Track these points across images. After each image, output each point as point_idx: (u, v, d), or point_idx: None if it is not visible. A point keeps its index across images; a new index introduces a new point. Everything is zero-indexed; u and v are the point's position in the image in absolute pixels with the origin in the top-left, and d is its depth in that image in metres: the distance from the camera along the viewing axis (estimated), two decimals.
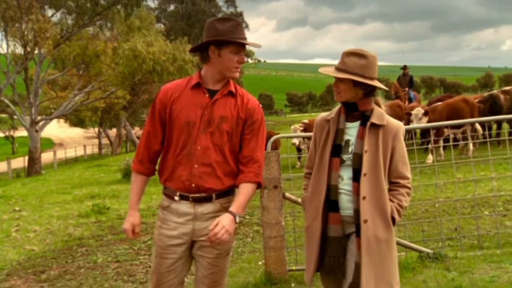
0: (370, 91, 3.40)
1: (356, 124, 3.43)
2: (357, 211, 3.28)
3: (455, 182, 8.32)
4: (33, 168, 30.06)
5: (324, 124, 3.53)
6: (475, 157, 10.96)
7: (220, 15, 60.94)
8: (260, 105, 3.58)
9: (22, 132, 54.82)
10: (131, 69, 28.86)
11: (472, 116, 13.62)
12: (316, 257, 3.42)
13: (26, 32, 28.33)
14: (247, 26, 63.22)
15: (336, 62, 3.50)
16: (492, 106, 15.33)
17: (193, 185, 3.37)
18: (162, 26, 50.37)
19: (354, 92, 3.37)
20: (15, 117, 38.69)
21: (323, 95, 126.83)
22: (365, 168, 3.29)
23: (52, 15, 31.40)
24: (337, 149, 3.40)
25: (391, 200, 3.35)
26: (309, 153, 3.69)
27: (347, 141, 3.41)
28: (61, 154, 43.28)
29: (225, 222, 3.19)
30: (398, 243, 6.25)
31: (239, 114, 3.42)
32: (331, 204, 3.37)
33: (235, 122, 3.41)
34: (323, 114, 3.62)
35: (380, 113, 3.43)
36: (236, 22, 3.42)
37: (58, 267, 8.25)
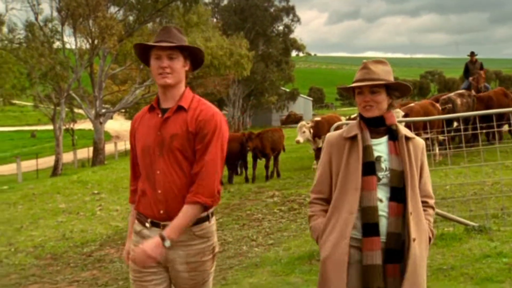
0: (391, 102, 3.19)
1: (383, 140, 3.16)
2: (394, 234, 3.02)
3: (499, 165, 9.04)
4: (98, 158, 31.71)
5: (342, 142, 3.20)
6: None
7: (272, 10, 61.58)
8: (219, 114, 3.26)
9: (81, 125, 57.19)
10: None
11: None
12: None
13: (93, 29, 30.03)
14: (298, 20, 63.49)
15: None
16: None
17: (161, 212, 3.16)
18: (215, 20, 51.43)
19: (386, 103, 3.15)
20: (75, 110, 40.66)
21: None
22: (409, 184, 3.06)
23: (116, 12, 33.01)
24: (371, 167, 3.09)
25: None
26: (318, 176, 3.30)
27: (378, 158, 3.12)
28: (119, 146, 45.05)
29: (147, 245, 3.02)
30: (446, 217, 7.10)
31: (188, 129, 3.16)
32: (369, 228, 3.04)
33: (185, 138, 3.16)
34: (337, 132, 3.30)
35: (403, 128, 3.22)
36: (166, 28, 3.27)
37: None
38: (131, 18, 33.55)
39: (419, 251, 3.03)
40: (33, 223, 11.81)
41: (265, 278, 6.43)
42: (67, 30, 30.88)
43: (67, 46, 31.75)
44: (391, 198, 3.04)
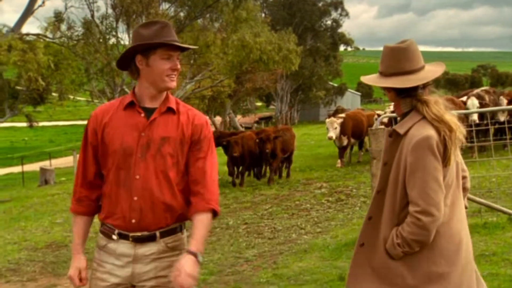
0: (401, 91, 2.95)
1: None
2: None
3: None
4: None
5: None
6: None
7: (320, 4, 61.60)
8: (208, 122, 3.18)
9: None
10: (239, 59, 30.63)
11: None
12: None
13: None
14: (347, 14, 63.31)
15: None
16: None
17: (133, 221, 2.91)
18: (263, 15, 51.85)
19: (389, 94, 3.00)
20: None
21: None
22: (380, 186, 2.89)
23: (168, 9, 33.84)
24: None
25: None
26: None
27: None
28: None
29: (188, 268, 2.75)
30: (490, 207, 7.33)
31: (183, 133, 2.97)
32: None
33: (179, 142, 2.96)
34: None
35: (408, 119, 2.89)
36: (163, 24, 3.05)
37: None
38: (182, 14, 34.32)
39: (365, 256, 2.86)
40: None
41: (314, 262, 6.81)
42: (121, 26, 31.80)
43: (121, 42, 32.76)
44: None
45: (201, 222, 2.89)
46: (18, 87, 28.71)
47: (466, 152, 10.50)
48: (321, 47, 59.80)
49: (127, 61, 3.01)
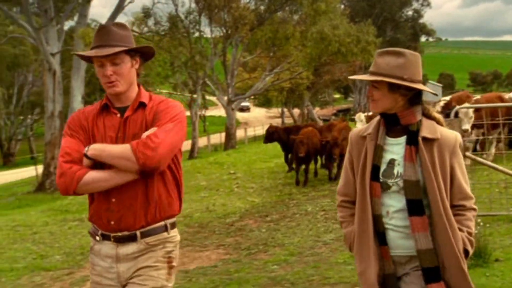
0: (414, 98, 2.79)
1: (402, 140, 2.81)
2: (428, 251, 2.72)
3: None
4: (230, 142, 33.48)
5: (360, 141, 2.90)
6: None
7: None
8: (180, 106, 3.02)
9: (211, 112, 60.07)
10: (318, 51, 30.89)
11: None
12: None
13: (227, 19, 31.87)
14: (428, 4, 62.04)
15: None
16: None
17: (112, 222, 2.89)
18: (342, 7, 51.67)
19: (392, 100, 2.76)
20: (207, 97, 42.94)
21: (510, 74, 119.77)
22: (432, 197, 2.71)
23: (248, 2, 34.60)
24: (375, 171, 2.80)
25: (459, 229, 2.76)
26: (344, 177, 3.01)
27: (391, 161, 2.80)
28: (249, 131, 46.98)
29: None
30: None
31: (151, 120, 2.91)
32: (379, 237, 2.81)
33: None
34: (358, 129, 3.01)
35: (430, 124, 2.81)
36: (103, 29, 2.94)
37: (277, 213, 10.47)
38: (262, 7, 34.92)
39: (456, 268, 2.73)
40: None
41: None
42: (203, 20, 32.84)
43: (203, 36, 33.81)
44: (410, 212, 2.72)
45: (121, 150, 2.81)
46: None
47: None
48: (401, 38, 58.89)
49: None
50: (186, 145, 36.27)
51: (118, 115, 2.94)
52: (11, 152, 46.40)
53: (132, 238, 2.89)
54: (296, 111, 56.01)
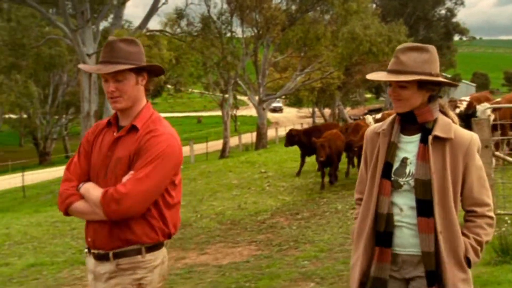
0: (436, 93, 2.74)
1: (416, 138, 2.74)
2: (429, 254, 2.64)
3: None
4: (261, 142, 33.76)
5: (375, 138, 2.84)
6: None
7: None
8: (171, 138, 2.92)
9: (242, 112, 60.41)
10: (349, 51, 30.97)
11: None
12: None
13: (259, 19, 32.19)
14: (462, 3, 61.36)
15: None
16: None
17: (89, 239, 2.94)
18: (374, 6, 51.47)
19: (420, 97, 2.69)
20: (238, 97, 43.26)
21: None
22: (437, 198, 2.63)
23: (280, 3, 34.83)
24: (387, 169, 2.74)
25: (465, 235, 2.69)
26: (359, 174, 2.98)
27: (404, 160, 2.73)
28: (280, 131, 47.21)
29: None
30: None
31: (130, 152, 2.86)
32: (379, 237, 2.73)
33: (127, 163, 2.85)
34: (374, 126, 2.94)
35: (446, 122, 2.72)
36: (109, 45, 2.94)
37: (308, 211, 10.65)
38: (293, 7, 35.12)
39: (452, 279, 2.64)
40: (212, 195, 13.62)
41: None
42: (235, 21, 33.21)
43: (235, 36, 34.16)
44: (419, 212, 2.66)
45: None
46: None
47: None
48: (434, 37, 58.33)
49: None
50: (218, 145, 36.74)
51: (115, 133, 2.95)
52: (47, 151, 47.26)
53: (105, 257, 2.88)
54: (327, 111, 55.98)
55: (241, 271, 6.92)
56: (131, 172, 2.80)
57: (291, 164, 17.73)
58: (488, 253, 5.74)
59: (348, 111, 59.49)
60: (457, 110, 12.55)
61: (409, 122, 2.73)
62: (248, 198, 12.67)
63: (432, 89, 2.69)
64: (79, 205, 2.87)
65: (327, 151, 12.39)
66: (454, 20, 62.01)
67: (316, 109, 56.97)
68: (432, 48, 2.70)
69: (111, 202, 2.72)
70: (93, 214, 2.83)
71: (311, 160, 17.09)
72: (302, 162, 15.26)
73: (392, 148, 2.73)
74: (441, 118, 2.72)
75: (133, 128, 2.89)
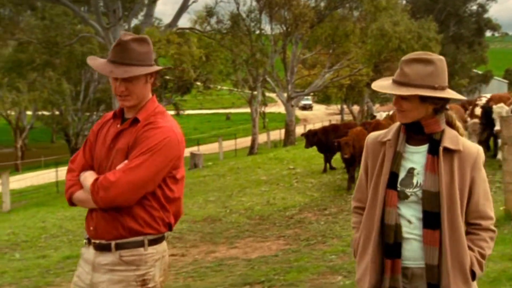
0: (441, 106, 2.68)
1: (423, 148, 2.69)
2: (433, 267, 2.60)
3: None
4: (289, 139, 33.89)
5: (378, 147, 2.78)
6: None
7: None
8: (169, 132, 2.88)
9: (270, 109, 60.53)
10: (378, 48, 30.90)
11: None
12: None
13: (287, 17, 32.32)
14: None
15: None
16: None
17: (91, 228, 2.93)
18: (403, 2, 51.09)
19: (422, 110, 2.64)
20: (267, 94, 43.41)
21: None
22: (445, 210, 2.59)
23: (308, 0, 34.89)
24: (393, 179, 2.67)
25: (470, 248, 2.65)
26: (358, 182, 2.92)
27: (410, 170, 2.68)
28: (308, 128, 47.32)
29: None
30: None
31: (129, 144, 2.86)
32: (388, 248, 2.66)
33: (125, 154, 2.86)
34: (376, 134, 2.87)
35: (454, 135, 2.69)
36: (120, 45, 2.91)
37: (336, 207, 10.80)
38: (322, 4, 35.14)
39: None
40: (241, 191, 13.83)
41: None
42: (264, 18, 33.37)
43: (264, 33, 34.32)
44: (425, 224, 2.61)
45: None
46: (167, 77, 31.03)
47: None
48: (465, 33, 57.71)
49: None
50: (246, 142, 37.01)
51: (119, 125, 2.96)
52: (78, 147, 47.79)
53: (107, 248, 2.85)
54: (355, 108, 55.77)
55: (270, 265, 7.07)
56: (125, 161, 2.81)
57: (319, 160, 17.82)
58: None
59: (377, 107, 59.16)
60: (477, 109, 12.44)
61: (416, 133, 2.69)
62: (276, 194, 12.85)
63: (435, 103, 2.63)
64: (79, 194, 2.91)
65: (351, 150, 12.43)
66: (485, 16, 61.25)
67: (344, 106, 56.75)
68: (438, 59, 2.63)
69: (99, 189, 2.74)
70: (91, 202, 2.83)
71: (338, 157, 17.20)
72: (325, 159, 15.34)
73: (397, 158, 2.68)
74: (448, 130, 2.69)
75: (135, 121, 2.89)
